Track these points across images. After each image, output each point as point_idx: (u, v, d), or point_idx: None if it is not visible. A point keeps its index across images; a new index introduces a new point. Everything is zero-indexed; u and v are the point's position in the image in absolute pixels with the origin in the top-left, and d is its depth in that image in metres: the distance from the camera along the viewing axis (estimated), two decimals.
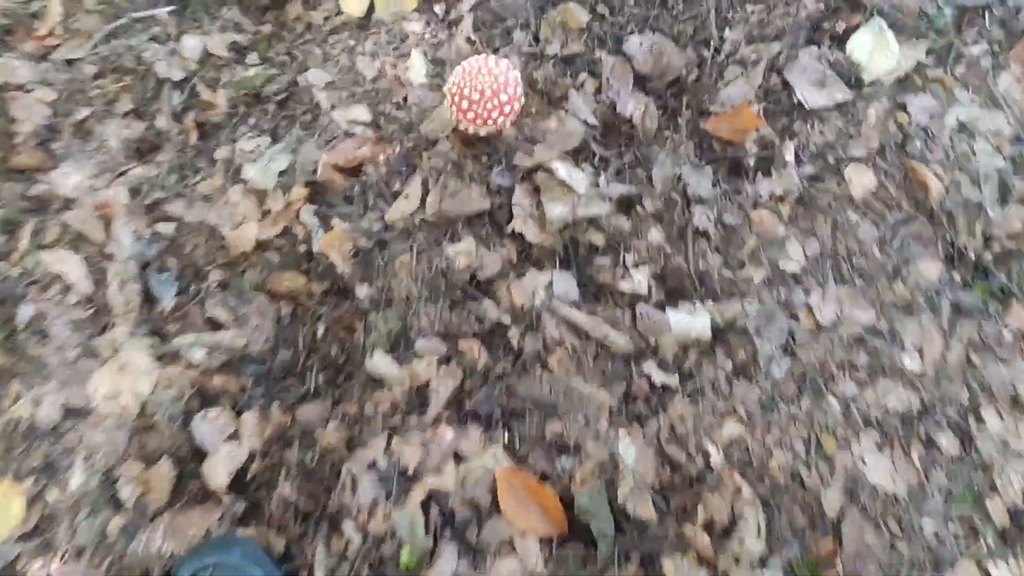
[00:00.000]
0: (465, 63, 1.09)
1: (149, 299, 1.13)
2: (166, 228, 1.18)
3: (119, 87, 1.31)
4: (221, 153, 1.24)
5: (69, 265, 1.15)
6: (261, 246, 1.15)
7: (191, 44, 1.33)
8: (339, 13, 1.35)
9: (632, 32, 1.26)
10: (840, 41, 1.28)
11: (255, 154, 1.22)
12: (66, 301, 1.13)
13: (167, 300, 1.12)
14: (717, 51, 1.25)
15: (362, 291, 1.11)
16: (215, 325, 1.10)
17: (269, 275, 1.13)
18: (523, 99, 1.10)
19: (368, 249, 1.13)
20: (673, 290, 1.09)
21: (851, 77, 1.25)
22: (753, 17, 1.29)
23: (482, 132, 1.10)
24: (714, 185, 1.17)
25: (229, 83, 1.30)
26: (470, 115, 1.07)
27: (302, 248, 1.14)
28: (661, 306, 1.08)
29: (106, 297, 1.12)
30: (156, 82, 1.31)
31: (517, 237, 1.13)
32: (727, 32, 1.27)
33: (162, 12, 1.38)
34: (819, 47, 1.27)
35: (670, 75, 1.23)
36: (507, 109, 1.07)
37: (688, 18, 1.27)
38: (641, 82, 1.24)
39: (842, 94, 1.22)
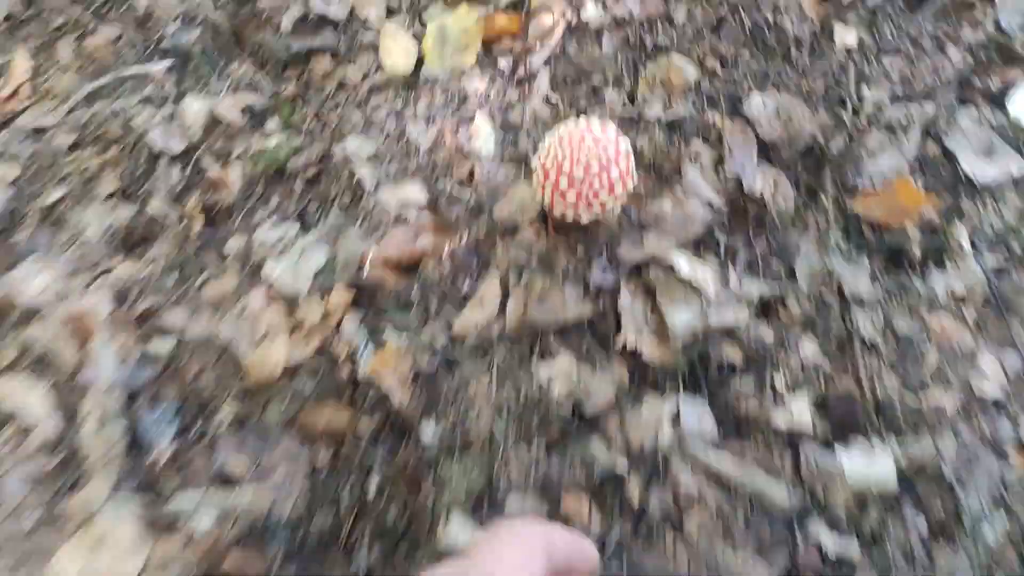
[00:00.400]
0: (562, 129, 0.97)
1: (138, 443, 0.99)
2: (162, 346, 1.04)
3: (101, 161, 1.20)
4: (234, 245, 1.11)
5: (30, 397, 1.00)
6: (290, 370, 1.00)
7: (195, 108, 1.22)
8: (380, 69, 1.25)
9: (750, 90, 1.17)
10: (997, 100, 1.20)
11: (280, 247, 1.08)
12: (24, 447, 0.97)
13: (162, 445, 0.97)
14: (856, 113, 1.15)
15: (427, 430, 0.95)
16: (228, 479, 0.94)
17: (302, 409, 0.99)
18: (636, 175, 0.99)
19: (432, 372, 0.99)
20: (842, 423, 0.95)
21: (1019, 143, 1.15)
22: (893, 72, 1.20)
23: (585, 219, 0.98)
24: (873, 281, 1.04)
25: (244, 156, 1.19)
26: (571, 196, 0.95)
27: (345, 372, 1.00)
28: (828, 444, 0.93)
29: (79, 441, 0.97)
30: (149, 155, 1.20)
31: (627, 354, 0.99)
32: (865, 90, 1.18)
33: (157, 69, 1.28)
34: (976, 107, 1.18)
35: (801, 143, 1.13)
36: (618, 188, 0.95)
37: (817, 73, 1.18)
38: (766, 151, 1.13)
39: (1017, 166, 1.12)
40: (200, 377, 1.02)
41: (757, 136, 1.13)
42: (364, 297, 1.05)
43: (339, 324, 1.02)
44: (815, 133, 1.14)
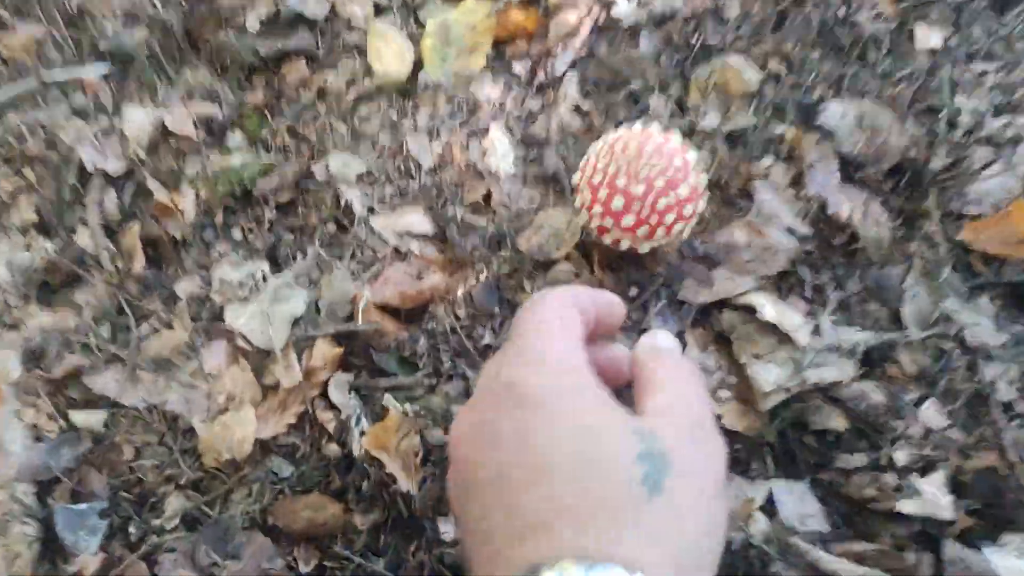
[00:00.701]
0: (612, 138, 0.85)
1: (54, 551, 0.83)
2: (89, 419, 0.91)
3: (16, 185, 1.07)
4: (186, 287, 0.97)
5: None
6: (260, 449, 0.85)
7: (137, 120, 1.09)
8: (368, 74, 1.13)
9: (825, 97, 1.06)
10: None
11: (246, 290, 0.94)
12: None
13: (88, 551, 0.81)
14: (952, 125, 1.06)
15: (445, 528, 0.80)
16: None
17: (275, 502, 0.83)
18: (707, 195, 0.86)
19: (448, 447, 0.84)
20: (988, 509, 0.81)
21: None
22: (988, 79, 1.12)
23: (643, 248, 0.85)
24: (999, 327, 0.93)
25: (200, 177, 1.06)
26: (628, 220, 0.82)
27: (332, 450, 0.85)
28: (971, 538, 0.80)
29: None
30: (79, 177, 1.07)
31: None
32: (961, 98, 1.08)
33: (91, 74, 1.15)
34: None
35: (890, 160, 1.03)
36: (688, 211, 0.83)
37: (901, 78, 1.09)
38: (848, 170, 1.02)
39: None
40: (139, 460, 0.87)
41: (837, 152, 1.02)
42: (356, 352, 0.92)
43: (324, 388, 0.88)
44: (905, 148, 1.03)
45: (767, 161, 1.00)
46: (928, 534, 0.81)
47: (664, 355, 0.49)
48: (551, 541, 0.37)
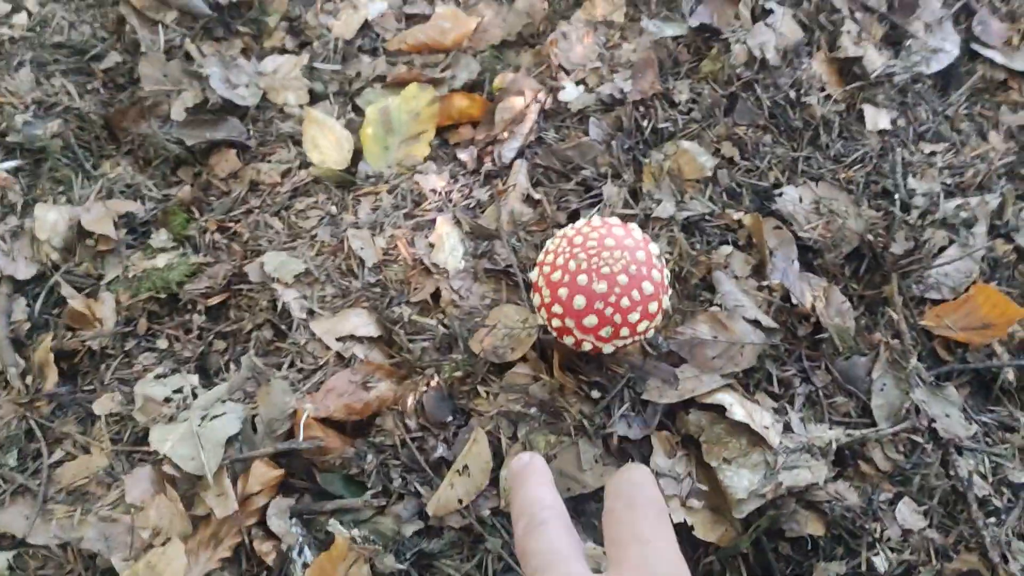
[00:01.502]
0: (570, 231, 0.86)
1: None
2: None
3: None
4: (105, 405, 0.94)
5: None
6: None
7: (50, 219, 1.06)
8: (306, 165, 1.13)
9: (779, 183, 1.10)
10: None
11: (173, 407, 0.90)
12: None
13: None
14: (906, 208, 1.10)
15: None
16: None
17: None
18: (670, 290, 0.88)
19: (401, 574, 0.81)
20: None
21: None
22: (937, 159, 1.17)
23: (606, 349, 0.85)
24: (967, 417, 0.95)
25: (120, 281, 1.03)
26: (590, 320, 0.82)
27: None
28: None
29: None
30: None
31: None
32: (912, 181, 1.14)
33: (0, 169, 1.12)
34: None
35: (848, 244, 1.06)
36: (653, 308, 0.83)
37: (854, 160, 1.14)
38: (806, 256, 1.06)
39: None
40: None
41: (796, 237, 1.05)
42: (297, 473, 0.89)
43: (262, 516, 0.84)
44: (862, 233, 1.07)
45: (726, 250, 1.03)
46: None
47: (639, 507, 0.56)
48: None
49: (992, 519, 0.88)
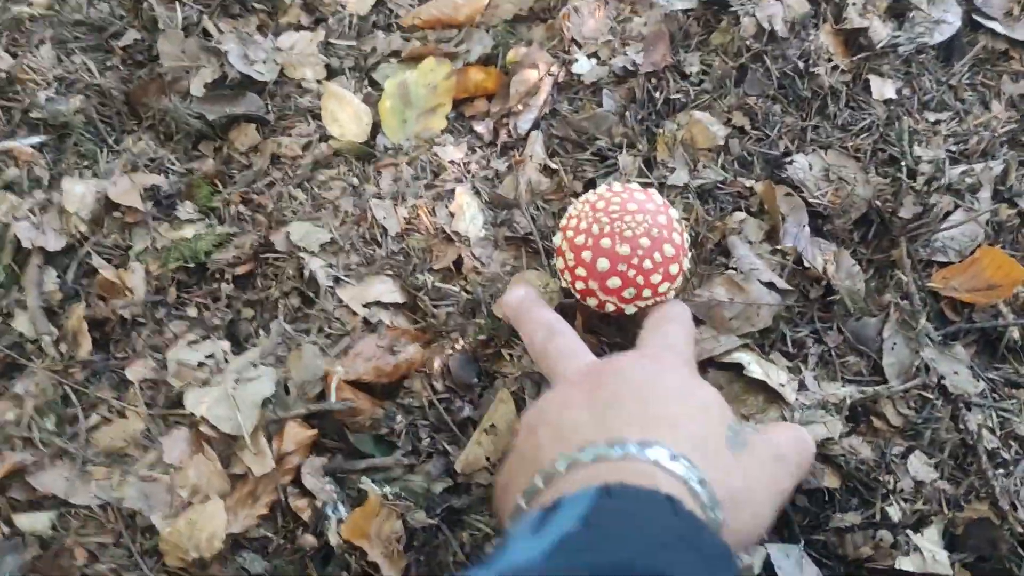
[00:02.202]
0: (592, 196, 0.88)
1: None
2: (35, 522, 0.86)
3: None
4: (138, 371, 0.95)
5: None
6: (230, 545, 0.82)
7: (77, 192, 1.07)
8: (326, 138, 1.14)
9: (789, 151, 1.12)
10: None
11: (206, 372, 0.92)
12: None
13: None
14: (912, 175, 1.12)
15: None
16: None
17: None
18: (690, 253, 0.89)
19: (431, 529, 0.83)
20: (984, 565, 0.84)
21: None
22: (942, 127, 1.19)
23: (628, 310, 0.87)
24: (975, 374, 0.97)
25: (149, 252, 1.04)
26: (614, 282, 0.84)
27: (308, 541, 0.83)
28: None
29: None
30: (15, 256, 1.03)
31: None
32: (918, 148, 1.15)
33: (23, 145, 1.13)
34: None
35: (857, 211, 1.08)
36: (674, 270, 0.85)
37: (860, 130, 1.15)
38: (817, 222, 1.07)
39: None
40: (94, 565, 0.83)
41: (806, 203, 1.07)
42: (329, 434, 0.90)
43: (297, 474, 0.86)
44: (870, 199, 1.09)
45: (739, 216, 1.04)
46: None
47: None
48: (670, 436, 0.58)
49: (1001, 470, 0.91)
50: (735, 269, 0.98)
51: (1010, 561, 0.85)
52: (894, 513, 0.87)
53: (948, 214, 1.10)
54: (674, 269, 0.85)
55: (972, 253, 1.07)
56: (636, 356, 0.74)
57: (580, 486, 0.52)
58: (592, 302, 0.87)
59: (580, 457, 0.56)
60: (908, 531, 0.85)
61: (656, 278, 0.84)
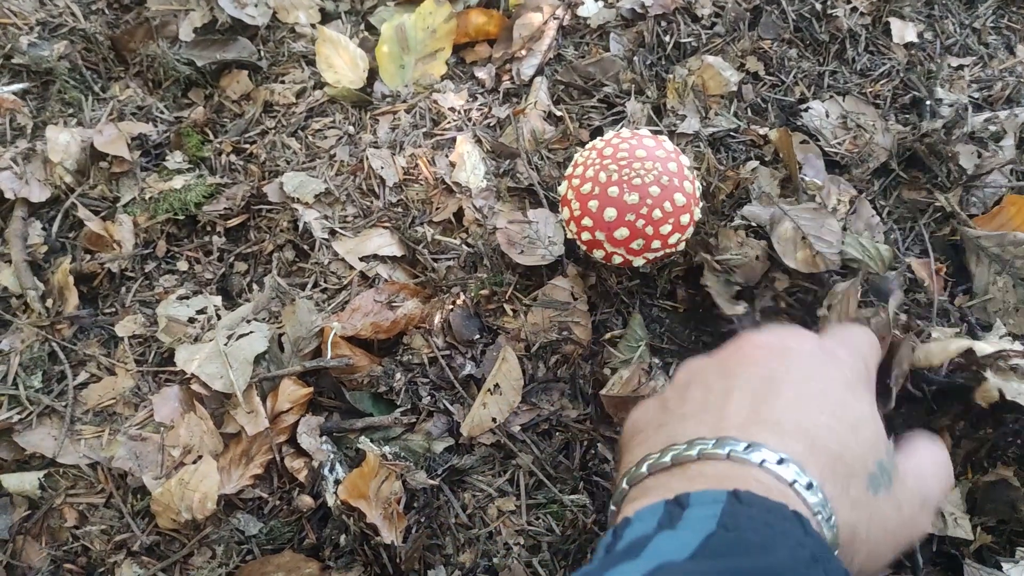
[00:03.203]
0: (600, 143, 0.82)
1: None
2: (23, 482, 0.82)
3: None
4: (128, 327, 0.91)
5: None
6: (224, 506, 0.78)
7: (62, 141, 1.02)
8: (320, 85, 1.08)
9: (804, 98, 1.06)
10: None
11: (198, 327, 0.88)
12: None
13: None
14: (933, 119, 1.06)
15: None
16: None
17: (243, 564, 0.77)
18: (702, 203, 0.84)
19: (433, 490, 0.80)
20: (1004, 527, 0.80)
21: None
22: (965, 72, 1.13)
23: (636, 262, 0.82)
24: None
25: (137, 203, 0.99)
26: (621, 233, 0.79)
27: (305, 502, 0.80)
28: (987, 558, 0.79)
29: None
30: None
31: None
32: (940, 92, 1.09)
33: (4, 92, 1.07)
34: None
35: (876, 160, 1.02)
36: (684, 220, 0.80)
37: (880, 75, 1.09)
38: (833, 171, 1.02)
39: None
40: (84, 526, 0.80)
41: (823, 152, 1.02)
42: (326, 392, 0.86)
43: (292, 433, 0.83)
44: (891, 148, 1.03)
45: (752, 165, 0.99)
46: (946, 554, 0.80)
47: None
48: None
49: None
50: (744, 221, 0.93)
51: None
52: None
53: (974, 163, 1.05)
54: (685, 219, 0.80)
55: (998, 202, 1.02)
56: (813, 342, 0.65)
57: (706, 484, 0.51)
58: (599, 254, 0.82)
59: (714, 451, 0.53)
60: None
61: (666, 228, 0.79)
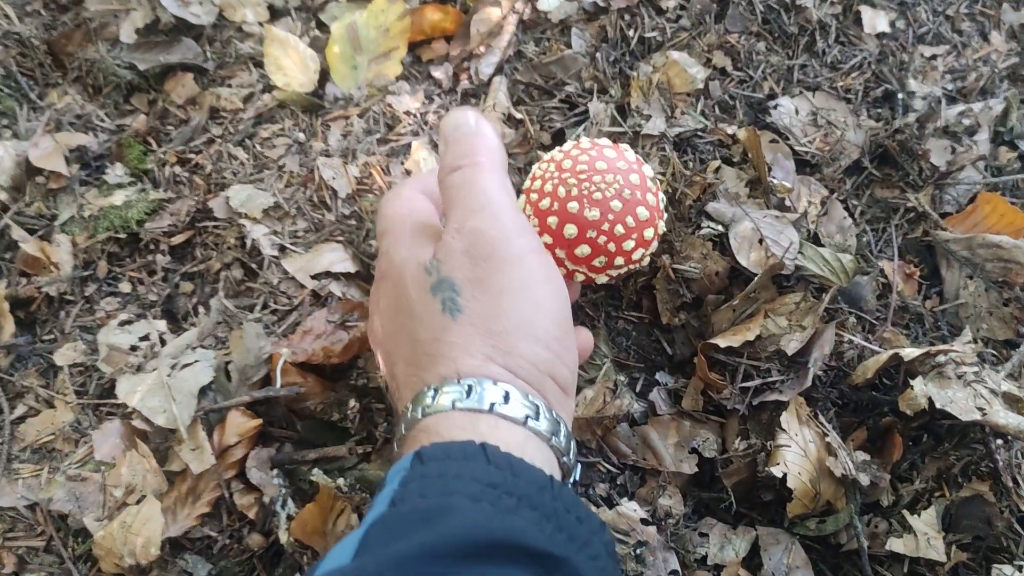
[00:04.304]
0: (558, 155, 0.78)
1: None
2: None
3: None
4: (68, 355, 0.86)
5: None
6: (171, 547, 0.74)
7: None
8: (269, 88, 1.03)
9: (774, 94, 1.01)
10: None
11: (140, 356, 0.83)
12: None
13: None
14: (907, 115, 1.02)
15: None
16: None
17: None
18: (665, 215, 0.80)
19: None
20: (979, 544, 0.78)
21: None
22: (939, 62, 1.09)
23: (599, 280, 0.78)
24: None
25: (75, 222, 0.93)
26: (582, 251, 0.75)
27: (256, 540, 0.76)
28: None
29: None
30: None
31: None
32: (913, 85, 1.05)
33: None
34: None
35: (848, 158, 0.98)
36: (648, 234, 0.76)
37: (851, 68, 1.05)
38: (803, 170, 0.98)
39: None
40: (24, 572, 0.75)
41: (793, 151, 0.98)
42: (276, 422, 0.82)
43: (241, 468, 0.78)
44: (862, 145, 0.99)
45: (714, 166, 0.95)
46: (919, 575, 0.77)
47: (462, 173, 0.60)
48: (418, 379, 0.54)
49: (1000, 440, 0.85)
50: (713, 229, 0.89)
51: (1008, 539, 0.79)
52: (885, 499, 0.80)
53: (947, 159, 1.02)
54: (649, 234, 0.76)
55: (971, 201, 0.99)
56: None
57: (410, 447, 0.50)
58: (560, 272, 0.78)
59: (429, 407, 0.52)
60: (904, 512, 0.79)
61: (629, 244, 0.75)
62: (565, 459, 0.55)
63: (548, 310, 0.57)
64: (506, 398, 0.51)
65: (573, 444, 0.56)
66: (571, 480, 0.58)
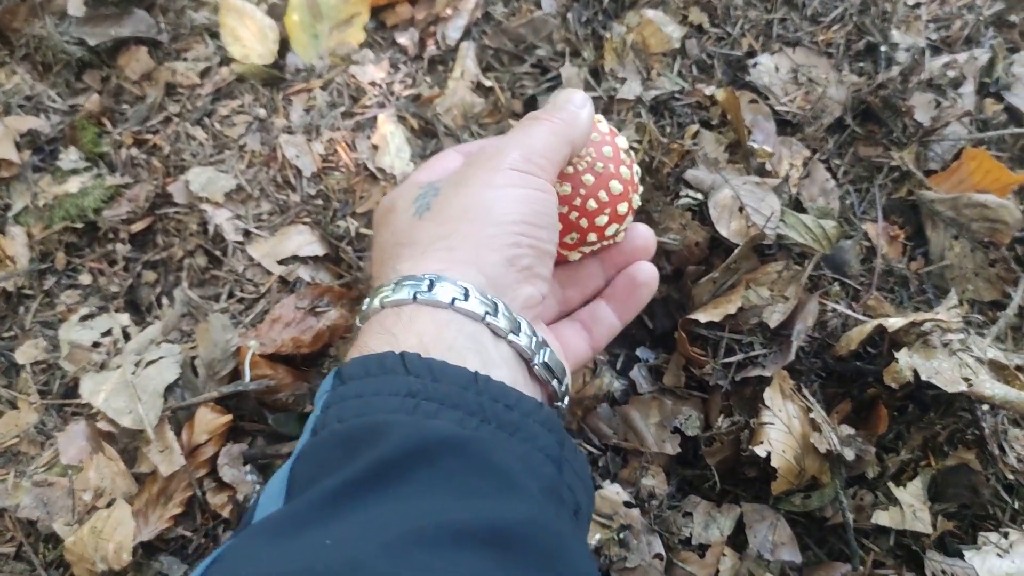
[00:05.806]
0: None
1: None
2: None
3: None
4: (28, 355, 0.82)
5: None
6: (145, 550, 0.72)
7: None
8: (227, 61, 0.97)
9: (753, 51, 0.97)
10: None
11: (103, 352, 0.79)
12: None
13: None
14: (890, 68, 0.98)
15: None
16: None
17: None
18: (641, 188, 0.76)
19: None
20: (965, 512, 0.77)
21: None
22: (923, 11, 1.04)
23: (572, 257, 0.74)
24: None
25: (29, 212, 0.88)
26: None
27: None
28: (948, 546, 0.75)
29: None
30: None
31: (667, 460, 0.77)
32: (896, 36, 1.00)
33: None
34: None
35: (830, 115, 0.94)
36: (622, 209, 0.72)
37: (831, 20, 1.00)
38: (785, 130, 0.94)
39: None
40: None
41: (773, 111, 0.93)
42: (247, 416, 0.79)
43: (213, 465, 0.75)
44: (844, 102, 0.95)
45: (694, 131, 0.90)
46: (906, 547, 0.76)
47: (533, 118, 0.61)
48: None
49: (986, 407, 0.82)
50: (692, 198, 0.85)
51: (994, 506, 0.77)
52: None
53: (932, 113, 0.98)
54: (623, 208, 0.72)
55: (956, 157, 0.95)
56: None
57: (356, 350, 0.50)
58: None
59: (366, 311, 0.53)
60: (890, 483, 0.77)
61: (602, 220, 0.71)
62: (536, 363, 0.54)
63: (516, 202, 0.56)
64: (466, 295, 0.51)
65: (547, 352, 0.55)
66: (563, 386, 0.57)
